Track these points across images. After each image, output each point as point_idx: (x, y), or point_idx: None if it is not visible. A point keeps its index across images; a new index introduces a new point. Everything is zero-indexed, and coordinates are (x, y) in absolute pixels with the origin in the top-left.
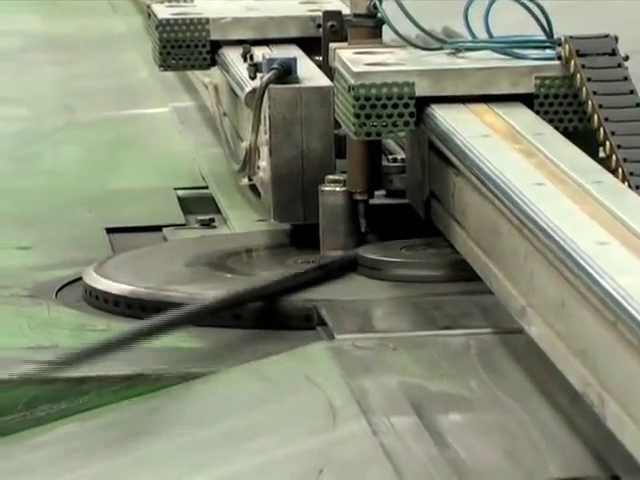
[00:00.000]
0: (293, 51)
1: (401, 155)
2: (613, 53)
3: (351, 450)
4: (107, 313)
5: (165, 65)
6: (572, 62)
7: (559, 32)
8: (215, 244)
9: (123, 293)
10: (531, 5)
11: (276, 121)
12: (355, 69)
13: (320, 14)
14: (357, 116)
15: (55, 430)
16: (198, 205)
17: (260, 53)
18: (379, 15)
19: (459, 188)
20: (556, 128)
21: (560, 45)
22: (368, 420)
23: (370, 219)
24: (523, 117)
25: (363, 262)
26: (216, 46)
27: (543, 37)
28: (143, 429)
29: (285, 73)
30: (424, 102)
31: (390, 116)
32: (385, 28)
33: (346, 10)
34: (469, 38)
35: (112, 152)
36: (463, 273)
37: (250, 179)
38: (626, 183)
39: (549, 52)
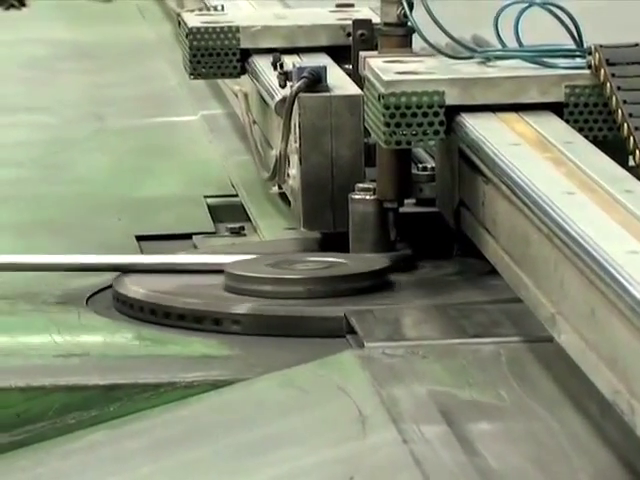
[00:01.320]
0: (323, 59)
1: (431, 164)
2: None
3: (381, 458)
4: (137, 320)
5: (195, 73)
6: (602, 71)
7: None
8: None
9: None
10: (561, 13)
11: (306, 129)
12: (385, 78)
13: (350, 22)
14: (387, 125)
15: (85, 437)
16: (228, 213)
17: (290, 61)
18: (409, 24)
19: (489, 197)
20: (586, 137)
21: (590, 54)
22: (398, 428)
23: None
24: (553, 126)
25: (227, 277)
26: (246, 54)
27: (573, 46)
28: (173, 437)
29: (315, 81)
30: (454, 111)
31: (420, 125)
32: (415, 37)
33: (376, 19)
34: (499, 47)
35: (142, 160)
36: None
37: (280, 187)
38: None
39: (579, 61)
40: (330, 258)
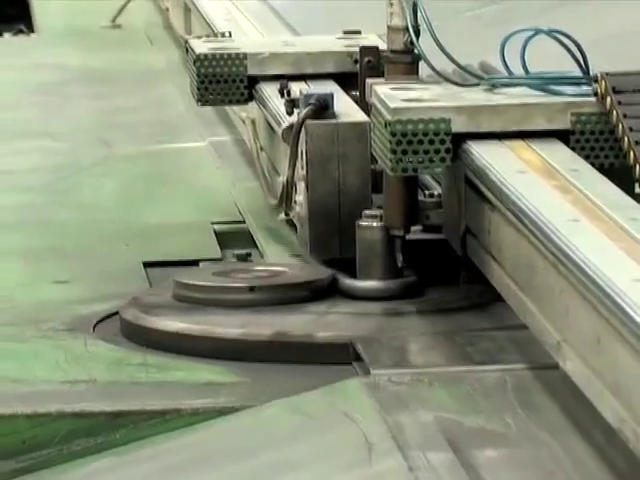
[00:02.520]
0: (330, 86)
1: (438, 190)
2: None
3: None
4: (144, 347)
5: (203, 100)
6: (608, 99)
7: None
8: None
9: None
10: (567, 41)
11: (313, 156)
12: (392, 105)
13: (357, 50)
14: (394, 152)
15: (91, 464)
16: (235, 239)
17: (297, 88)
18: (416, 51)
19: (495, 224)
20: (592, 164)
21: (596, 81)
22: (404, 455)
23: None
24: (559, 153)
25: (175, 286)
26: (253, 81)
27: (579, 73)
28: (179, 464)
29: (322, 108)
30: (460, 138)
31: (426, 152)
32: (422, 63)
33: (383, 46)
34: (505, 74)
35: (149, 186)
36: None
37: (287, 214)
38: None
39: (585, 88)
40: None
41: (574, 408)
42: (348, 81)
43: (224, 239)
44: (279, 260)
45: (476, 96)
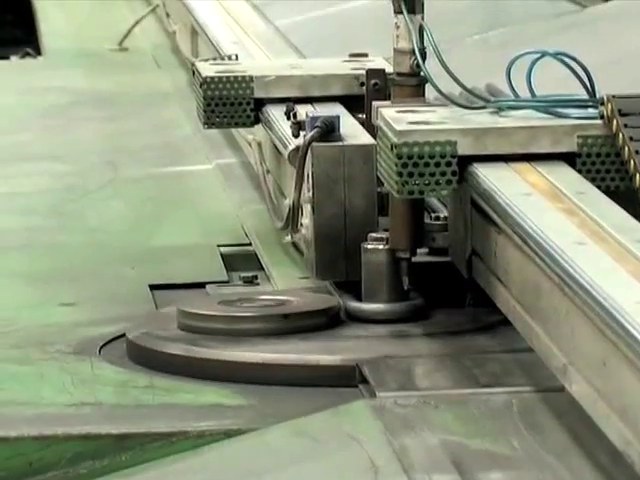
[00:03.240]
0: (336, 109)
1: (444, 213)
2: None
3: None
4: (150, 370)
5: (209, 123)
6: (614, 121)
7: None
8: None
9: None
10: (573, 64)
11: (319, 179)
12: (398, 127)
13: (363, 72)
14: (400, 174)
15: None
16: (241, 262)
17: (303, 111)
18: (422, 74)
19: (501, 246)
20: (598, 187)
21: (602, 104)
22: (410, 478)
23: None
24: (565, 176)
25: (179, 314)
26: (260, 104)
27: (585, 96)
28: None
29: (328, 131)
30: (466, 161)
31: (432, 175)
32: (428, 86)
33: (390, 68)
34: (512, 96)
35: (156, 209)
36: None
37: (292, 237)
38: None
39: (591, 111)
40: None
41: (580, 431)
42: (354, 104)
43: (231, 262)
44: (286, 283)
45: (482, 119)
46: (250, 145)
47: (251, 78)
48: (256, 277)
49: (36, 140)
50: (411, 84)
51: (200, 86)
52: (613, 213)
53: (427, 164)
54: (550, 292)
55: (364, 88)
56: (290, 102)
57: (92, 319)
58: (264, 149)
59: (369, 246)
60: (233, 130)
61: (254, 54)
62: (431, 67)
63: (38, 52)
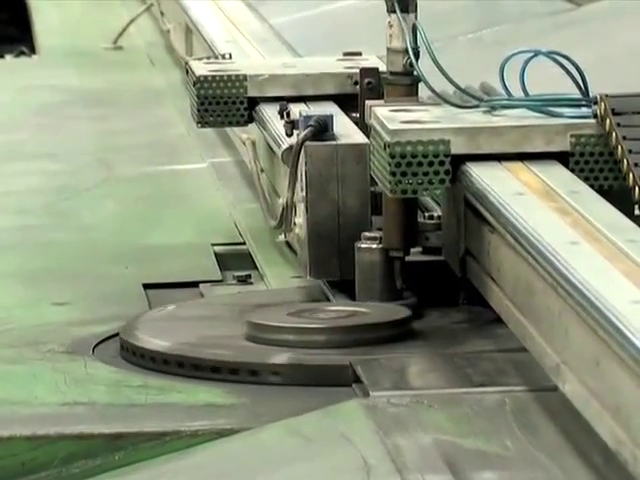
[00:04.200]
0: (330, 108)
1: (437, 212)
2: None
3: None
4: (143, 369)
5: (203, 122)
6: (607, 120)
7: None
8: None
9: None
10: (566, 63)
11: (312, 178)
12: (391, 127)
13: (357, 71)
14: (393, 174)
15: None
16: (235, 261)
17: (297, 110)
18: (415, 73)
19: (494, 246)
20: (591, 186)
21: (595, 103)
22: (403, 478)
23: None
24: (558, 175)
25: (249, 327)
26: (253, 103)
27: (578, 95)
28: None
29: (322, 130)
30: (460, 160)
31: (426, 174)
32: (422, 85)
33: (383, 67)
34: (505, 96)
35: (150, 208)
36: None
37: (285, 236)
38: None
39: (584, 110)
40: (352, 307)
41: (573, 430)
42: (348, 103)
43: (224, 260)
44: (280, 282)
45: (475, 118)
46: (244, 144)
47: (245, 77)
48: (250, 276)
49: (30, 139)
50: (404, 83)
51: (194, 85)
52: (606, 212)
53: (420, 163)
54: (543, 291)
55: (358, 87)
56: (284, 101)
57: (85, 318)
58: (258, 148)
59: (362, 245)
60: (227, 129)
61: (248, 53)
62: (424, 66)
63: (33, 51)
